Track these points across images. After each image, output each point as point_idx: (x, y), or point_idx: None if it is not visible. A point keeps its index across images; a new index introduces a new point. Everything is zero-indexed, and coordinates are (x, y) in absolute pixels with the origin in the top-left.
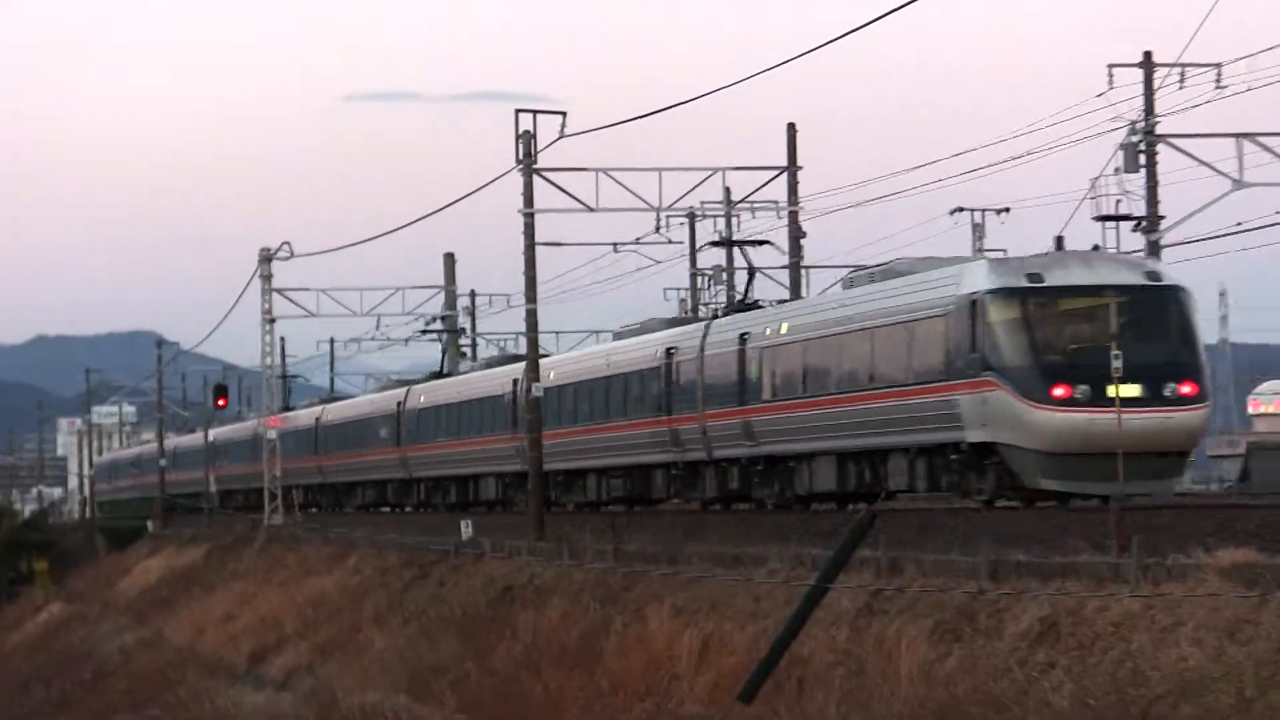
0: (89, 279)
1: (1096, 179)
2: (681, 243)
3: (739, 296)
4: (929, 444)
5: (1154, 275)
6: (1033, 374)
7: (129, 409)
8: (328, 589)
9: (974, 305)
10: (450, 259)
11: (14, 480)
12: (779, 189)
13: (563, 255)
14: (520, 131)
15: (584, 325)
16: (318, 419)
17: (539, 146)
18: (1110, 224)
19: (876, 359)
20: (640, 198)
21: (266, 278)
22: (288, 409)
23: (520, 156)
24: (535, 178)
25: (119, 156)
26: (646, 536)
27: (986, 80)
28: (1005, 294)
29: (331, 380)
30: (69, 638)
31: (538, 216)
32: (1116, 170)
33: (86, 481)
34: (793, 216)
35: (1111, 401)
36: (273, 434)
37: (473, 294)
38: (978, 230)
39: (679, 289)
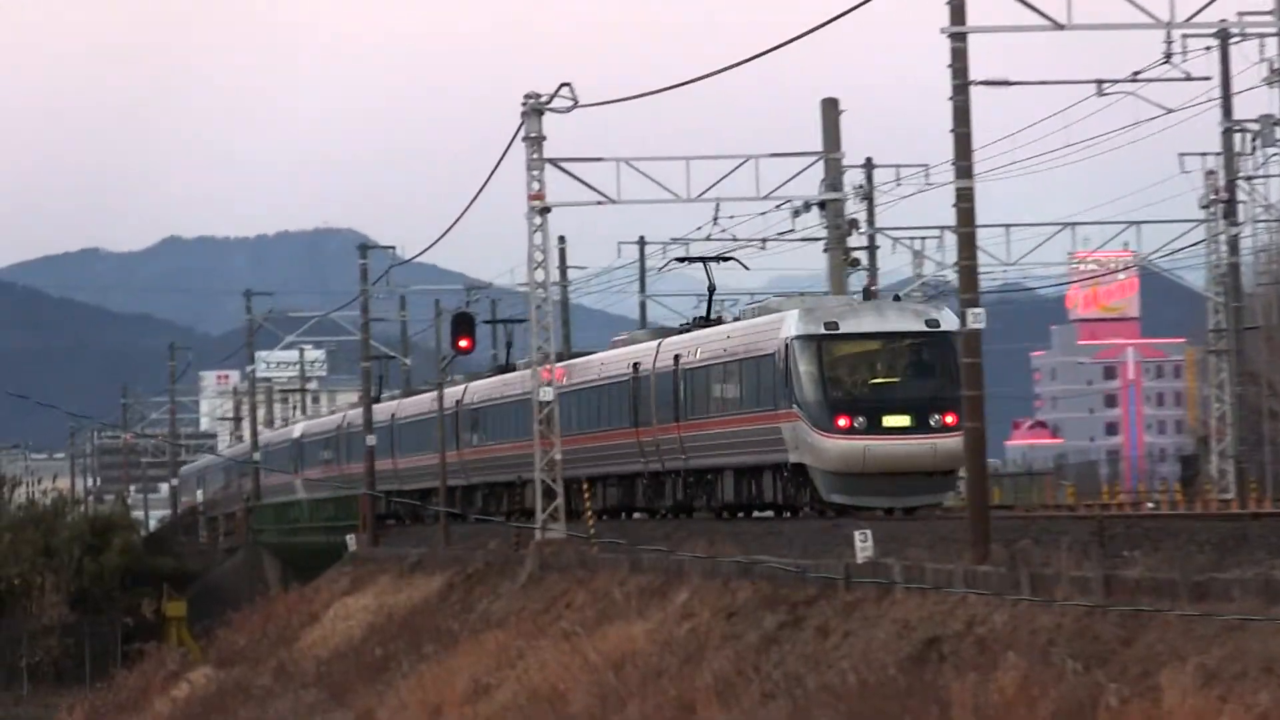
0: (244, 153)
1: None
2: (1208, 78)
3: (700, 314)
4: (776, 463)
5: (933, 323)
6: (822, 407)
7: (313, 354)
8: (640, 643)
9: (787, 348)
10: (832, 108)
11: (133, 472)
12: None
13: (1014, 101)
14: None
15: (1049, 213)
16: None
17: None
18: None
19: (744, 388)
20: (1140, 7)
21: (534, 141)
22: (580, 354)
23: None
24: None
25: None
26: (1155, 556)
27: None
28: (806, 339)
29: (643, 305)
30: None
31: (971, 38)
32: None
33: (196, 481)
34: None
35: (887, 430)
36: (548, 392)
37: (869, 164)
38: None
39: (1205, 154)
